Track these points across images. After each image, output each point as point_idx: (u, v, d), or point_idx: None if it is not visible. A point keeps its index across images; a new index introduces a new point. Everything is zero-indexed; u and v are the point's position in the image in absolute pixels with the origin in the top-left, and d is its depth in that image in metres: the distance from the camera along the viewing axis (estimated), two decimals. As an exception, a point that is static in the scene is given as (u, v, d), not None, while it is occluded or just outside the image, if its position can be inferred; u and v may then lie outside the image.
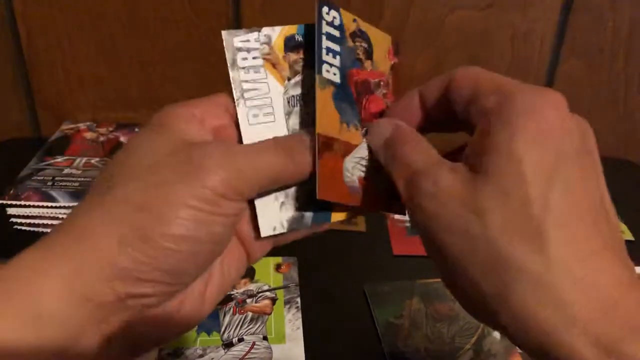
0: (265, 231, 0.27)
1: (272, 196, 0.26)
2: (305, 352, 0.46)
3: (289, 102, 0.27)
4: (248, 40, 0.27)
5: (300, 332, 0.48)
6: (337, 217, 0.28)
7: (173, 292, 0.25)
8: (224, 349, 0.46)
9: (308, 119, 0.27)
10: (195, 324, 0.27)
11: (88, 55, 0.72)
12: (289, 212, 0.27)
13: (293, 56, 0.27)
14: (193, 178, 0.23)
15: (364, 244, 0.59)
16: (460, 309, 0.54)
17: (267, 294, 0.51)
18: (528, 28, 0.68)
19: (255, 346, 0.46)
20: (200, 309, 0.27)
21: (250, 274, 0.53)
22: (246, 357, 0.45)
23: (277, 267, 0.54)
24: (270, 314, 0.49)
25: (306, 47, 0.27)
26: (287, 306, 0.50)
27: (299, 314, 0.49)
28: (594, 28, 0.69)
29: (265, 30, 0.27)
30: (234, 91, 0.26)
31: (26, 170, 0.62)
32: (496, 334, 0.48)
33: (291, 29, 0.27)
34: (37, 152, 0.66)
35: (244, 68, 0.26)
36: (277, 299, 0.51)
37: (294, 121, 0.27)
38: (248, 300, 0.50)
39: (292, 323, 0.48)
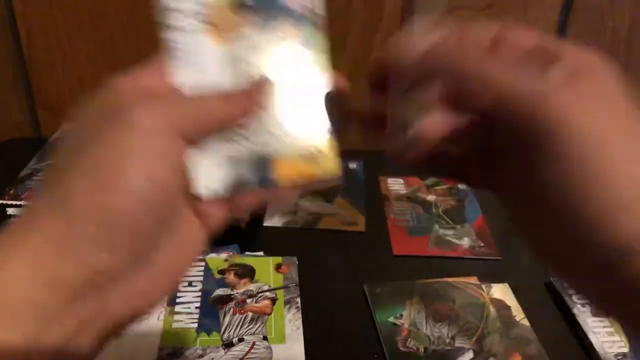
0: (204, 191, 0.27)
1: (215, 158, 0.26)
2: (305, 352, 0.46)
3: (230, 59, 0.27)
4: (185, 2, 0.26)
5: (300, 332, 0.48)
6: (284, 180, 0.27)
7: (135, 259, 0.25)
8: (224, 349, 0.46)
9: (250, 71, 0.27)
10: (160, 298, 0.27)
11: (88, 55, 0.72)
12: (232, 173, 0.27)
13: (239, 18, 0.27)
14: (135, 125, 0.24)
15: (364, 244, 0.59)
16: (460, 309, 0.54)
17: (267, 294, 0.51)
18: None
19: (255, 346, 0.46)
20: (164, 283, 0.27)
21: (250, 274, 0.53)
22: (246, 357, 0.45)
23: (277, 267, 0.54)
24: (270, 314, 0.49)
25: (249, 5, 0.27)
26: (287, 306, 0.50)
27: (299, 314, 0.49)
28: (594, 28, 0.69)
29: None
30: (169, 53, 0.26)
31: (26, 170, 0.62)
32: (496, 334, 0.48)
33: None
34: (37, 152, 0.66)
35: (179, 28, 0.26)
36: (277, 299, 0.51)
37: (235, 76, 0.27)
38: (248, 301, 0.50)
39: (292, 323, 0.48)
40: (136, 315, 0.26)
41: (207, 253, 0.55)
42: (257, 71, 0.27)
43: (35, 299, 0.22)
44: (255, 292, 0.51)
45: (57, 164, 0.24)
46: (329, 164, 0.27)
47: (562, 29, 0.69)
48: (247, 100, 0.27)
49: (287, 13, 0.27)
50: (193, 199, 0.27)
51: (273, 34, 0.27)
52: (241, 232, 0.58)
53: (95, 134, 0.24)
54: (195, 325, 0.48)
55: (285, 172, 0.27)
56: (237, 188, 0.27)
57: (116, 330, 0.26)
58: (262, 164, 0.26)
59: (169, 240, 0.26)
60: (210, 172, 0.27)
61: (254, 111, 0.27)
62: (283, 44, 0.27)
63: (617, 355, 0.48)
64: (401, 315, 0.49)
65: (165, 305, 0.49)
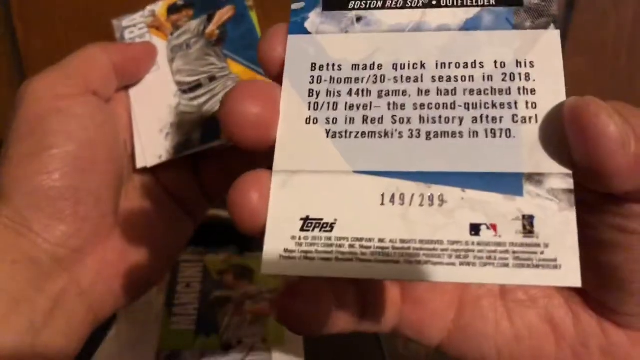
0: (149, 160, 0.27)
1: (155, 129, 0.27)
2: (305, 354, 0.46)
3: (172, 50, 0.30)
4: (134, 19, 0.31)
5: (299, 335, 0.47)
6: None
7: (92, 226, 0.24)
8: (223, 351, 0.45)
9: (193, 59, 0.30)
10: (142, 273, 0.27)
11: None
12: (175, 139, 0.28)
13: (175, 17, 0.30)
14: (39, 95, 0.25)
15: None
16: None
17: (267, 295, 0.51)
18: (531, 25, 0.68)
19: (254, 348, 0.46)
20: (138, 254, 0.27)
21: (249, 275, 0.53)
22: (245, 359, 0.45)
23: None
24: (269, 315, 0.49)
25: (188, 5, 0.31)
26: (287, 308, 0.50)
27: (299, 316, 0.49)
28: (597, 25, 0.69)
29: (149, 6, 0.31)
30: None
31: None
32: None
33: None
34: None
35: (130, 39, 0.30)
36: (276, 301, 0.50)
37: (178, 63, 0.29)
38: (247, 302, 0.50)
39: (291, 325, 0.48)
40: (115, 294, 0.26)
41: (205, 254, 0.54)
42: (195, 51, 0.29)
43: (1, 280, 0.22)
44: (254, 294, 0.51)
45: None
46: None
47: (565, 27, 0.69)
48: (142, 47, 0.29)
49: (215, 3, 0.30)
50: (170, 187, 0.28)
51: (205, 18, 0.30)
52: (240, 233, 0.57)
53: (11, 122, 0.25)
54: (194, 327, 0.47)
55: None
56: (183, 150, 0.27)
57: (96, 312, 0.25)
58: (207, 123, 0.28)
59: (129, 206, 0.26)
60: (156, 142, 0.28)
61: (148, 57, 0.28)
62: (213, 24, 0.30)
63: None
64: (402, 317, 0.49)
65: (163, 306, 0.49)
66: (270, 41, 0.18)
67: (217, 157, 0.28)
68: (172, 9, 0.31)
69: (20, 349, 0.22)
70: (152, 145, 0.28)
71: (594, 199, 0.18)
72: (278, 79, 0.18)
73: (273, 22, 0.34)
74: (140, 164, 0.27)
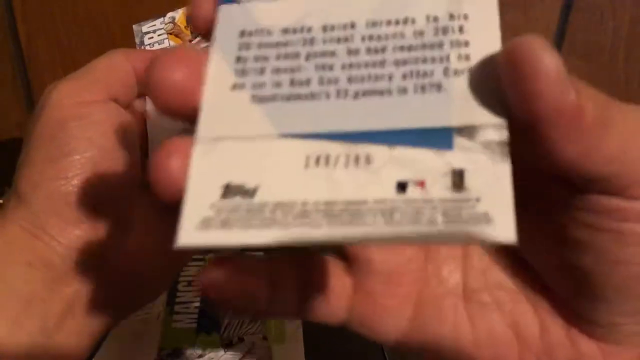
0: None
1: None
2: (306, 352, 0.46)
3: None
4: (154, 25, 0.31)
5: (300, 332, 0.47)
6: None
7: (107, 229, 0.25)
8: (224, 349, 0.46)
9: None
10: (153, 276, 0.27)
11: (88, 54, 0.71)
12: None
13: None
14: (62, 102, 0.26)
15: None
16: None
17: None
18: (528, 28, 0.68)
19: (255, 346, 0.46)
20: (151, 257, 0.26)
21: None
22: (245, 357, 0.45)
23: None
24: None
25: None
26: (287, 306, 0.50)
27: (299, 314, 0.49)
28: (594, 27, 0.69)
29: (170, 13, 0.31)
30: None
31: (26, 170, 0.62)
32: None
33: None
34: (37, 151, 0.66)
35: (149, 44, 0.30)
36: (277, 299, 0.50)
37: None
38: (248, 300, 0.50)
39: (292, 323, 0.48)
40: (129, 297, 0.26)
41: (206, 253, 0.54)
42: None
43: (14, 282, 0.22)
44: (255, 292, 0.51)
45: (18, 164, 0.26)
46: None
47: (562, 28, 0.69)
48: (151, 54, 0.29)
49: None
50: None
51: None
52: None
53: (33, 126, 0.26)
54: (195, 325, 0.48)
55: None
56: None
57: (109, 315, 0.25)
58: None
59: (144, 211, 0.26)
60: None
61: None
62: None
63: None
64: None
65: (164, 305, 0.49)
66: (201, 4, 0.18)
67: None
68: None
69: (33, 350, 0.22)
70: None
71: (558, 193, 0.17)
72: (208, 37, 0.18)
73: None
74: None
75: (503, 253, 0.20)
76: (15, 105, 0.75)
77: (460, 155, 0.15)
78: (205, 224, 0.15)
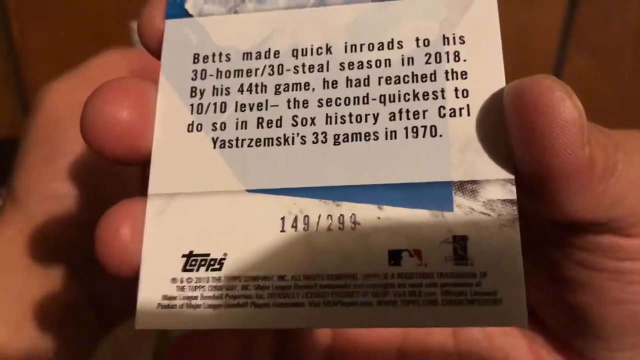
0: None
1: None
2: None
3: None
4: None
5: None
6: None
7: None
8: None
9: None
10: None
11: (83, 52, 0.70)
12: None
13: None
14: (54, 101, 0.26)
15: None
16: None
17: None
18: (534, 24, 0.67)
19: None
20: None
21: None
22: None
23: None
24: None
25: None
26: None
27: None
28: (600, 24, 0.68)
29: None
30: None
31: (19, 171, 0.61)
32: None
33: None
34: (31, 152, 0.65)
35: None
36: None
37: None
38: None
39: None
40: (127, 302, 0.25)
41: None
42: None
43: (14, 287, 0.22)
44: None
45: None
46: None
47: (568, 24, 0.68)
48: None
49: None
50: None
51: None
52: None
53: (28, 127, 0.25)
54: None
55: None
56: None
57: (109, 321, 0.25)
58: None
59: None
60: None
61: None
62: None
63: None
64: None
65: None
66: (149, 15, 0.16)
67: None
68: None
69: (32, 356, 0.21)
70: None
71: (555, 232, 0.16)
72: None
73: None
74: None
75: None
76: (8, 105, 0.74)
77: (461, 217, 0.13)
78: (167, 302, 0.13)
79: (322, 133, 0.14)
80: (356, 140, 0.14)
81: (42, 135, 0.24)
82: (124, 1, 0.68)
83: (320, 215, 0.13)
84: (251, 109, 0.14)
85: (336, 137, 0.14)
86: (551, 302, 0.18)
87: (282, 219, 0.13)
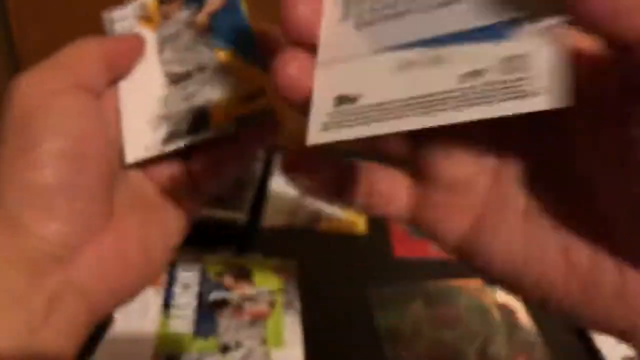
0: (137, 154, 0.27)
1: (143, 122, 0.28)
2: (304, 356, 0.45)
3: (162, 41, 0.30)
4: (125, 11, 0.31)
5: (299, 336, 0.47)
6: (216, 124, 0.28)
7: (86, 223, 0.24)
8: (221, 354, 0.45)
9: (182, 49, 0.30)
10: (145, 280, 0.27)
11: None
12: (163, 131, 0.28)
13: (166, 8, 0.31)
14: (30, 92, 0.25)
15: (364, 245, 0.58)
16: (463, 313, 0.53)
17: (266, 297, 0.50)
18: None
19: (253, 351, 0.45)
20: (133, 252, 0.26)
21: (248, 276, 0.52)
22: (244, 362, 0.44)
23: (277, 270, 0.53)
24: (269, 317, 0.48)
25: None
26: (286, 310, 0.49)
27: (298, 318, 0.48)
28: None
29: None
30: None
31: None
32: (500, 339, 0.47)
33: None
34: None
35: (121, 31, 0.31)
36: (276, 303, 0.50)
37: (167, 53, 0.30)
38: (246, 304, 0.49)
39: (291, 327, 0.47)
40: (112, 291, 0.26)
41: (202, 255, 0.54)
42: (184, 41, 0.30)
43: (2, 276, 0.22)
44: (253, 296, 0.50)
45: None
46: (264, 97, 0.29)
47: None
48: (133, 40, 0.29)
49: None
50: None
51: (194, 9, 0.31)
52: (238, 233, 0.57)
53: (1, 119, 0.25)
54: (192, 329, 0.47)
55: (220, 119, 0.28)
56: (170, 142, 0.27)
57: (94, 311, 0.25)
58: (196, 114, 0.27)
59: (122, 203, 0.26)
60: (138, 136, 0.28)
61: (139, 50, 0.29)
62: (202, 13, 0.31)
63: (623, 359, 0.48)
64: (403, 319, 0.49)
65: (160, 308, 0.48)
66: None
67: (207, 150, 0.28)
68: (164, 0, 0.31)
69: (17, 349, 0.22)
70: (140, 139, 0.28)
71: (625, 100, 0.17)
72: None
73: (263, 11, 0.33)
74: (128, 158, 0.27)
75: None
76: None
77: (519, 42, 0.17)
78: (325, 127, 0.20)
79: (424, 4, 0.20)
80: (444, 6, 0.19)
81: (15, 126, 0.24)
82: (124, 1, 0.69)
83: (419, 59, 0.19)
84: (379, 1, 0.21)
85: (429, 6, 0.20)
86: (618, 193, 0.19)
87: (396, 65, 0.20)
